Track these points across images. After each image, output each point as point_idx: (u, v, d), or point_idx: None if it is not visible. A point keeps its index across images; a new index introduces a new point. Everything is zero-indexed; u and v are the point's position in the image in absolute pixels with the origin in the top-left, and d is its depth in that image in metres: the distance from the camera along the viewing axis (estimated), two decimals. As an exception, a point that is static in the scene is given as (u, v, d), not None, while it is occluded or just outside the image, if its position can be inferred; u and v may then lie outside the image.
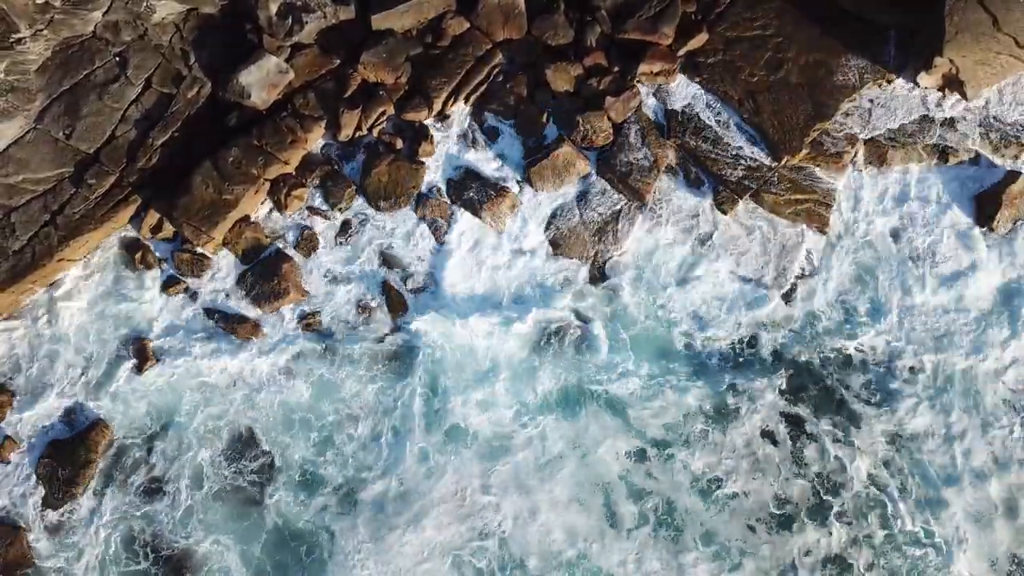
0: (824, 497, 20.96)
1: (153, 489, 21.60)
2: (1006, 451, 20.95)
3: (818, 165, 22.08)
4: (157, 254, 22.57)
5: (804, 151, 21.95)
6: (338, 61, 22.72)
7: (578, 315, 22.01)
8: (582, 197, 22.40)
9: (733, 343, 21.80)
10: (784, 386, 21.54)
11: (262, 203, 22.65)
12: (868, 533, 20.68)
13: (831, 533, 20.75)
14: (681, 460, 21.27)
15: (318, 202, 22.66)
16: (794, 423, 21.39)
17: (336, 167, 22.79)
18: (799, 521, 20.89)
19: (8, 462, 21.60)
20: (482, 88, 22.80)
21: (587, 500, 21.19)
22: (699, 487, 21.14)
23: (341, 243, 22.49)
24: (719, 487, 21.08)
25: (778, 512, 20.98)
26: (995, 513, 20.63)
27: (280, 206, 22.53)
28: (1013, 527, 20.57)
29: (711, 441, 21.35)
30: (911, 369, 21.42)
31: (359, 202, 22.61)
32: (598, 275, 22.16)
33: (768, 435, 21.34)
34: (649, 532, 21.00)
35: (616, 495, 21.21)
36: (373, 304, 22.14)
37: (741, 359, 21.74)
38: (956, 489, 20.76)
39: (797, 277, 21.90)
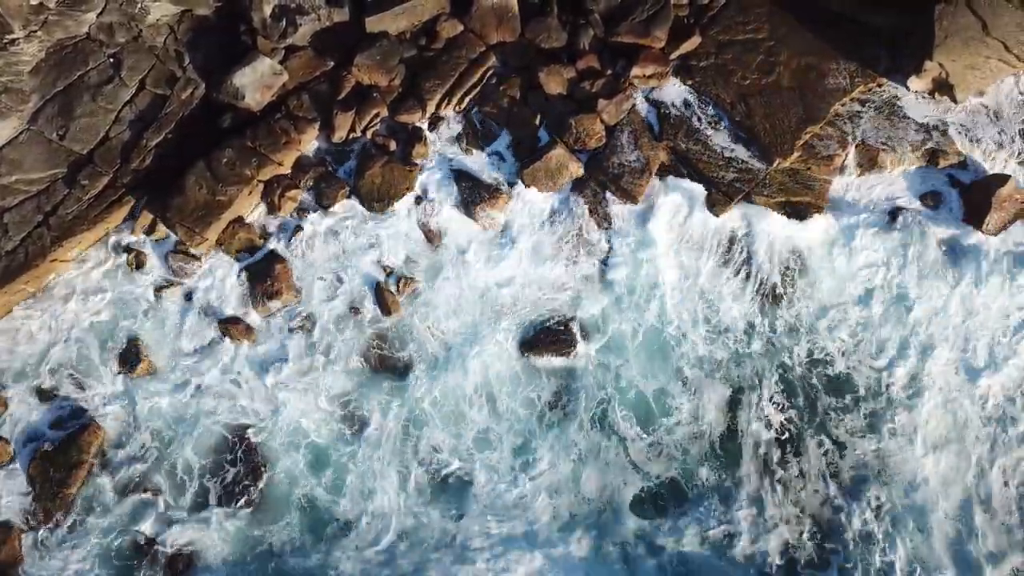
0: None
1: (146, 493, 21.51)
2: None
3: (809, 168, 22.20)
4: (150, 255, 22.59)
5: (795, 154, 22.07)
6: (332, 63, 22.79)
7: (574, 318, 22.07)
8: (575, 199, 22.48)
9: (729, 343, 21.84)
10: (777, 397, 21.56)
11: (255, 204, 22.69)
12: None
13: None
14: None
15: (312, 203, 22.72)
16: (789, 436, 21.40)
17: (330, 168, 22.84)
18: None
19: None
20: (476, 90, 22.87)
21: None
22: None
23: (334, 244, 22.51)
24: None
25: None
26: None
27: (273, 207, 22.57)
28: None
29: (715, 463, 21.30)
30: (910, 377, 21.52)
31: (352, 203, 22.65)
32: (592, 276, 22.23)
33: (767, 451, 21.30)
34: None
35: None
36: (366, 306, 22.18)
37: (738, 362, 21.77)
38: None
39: (791, 278, 22.07)
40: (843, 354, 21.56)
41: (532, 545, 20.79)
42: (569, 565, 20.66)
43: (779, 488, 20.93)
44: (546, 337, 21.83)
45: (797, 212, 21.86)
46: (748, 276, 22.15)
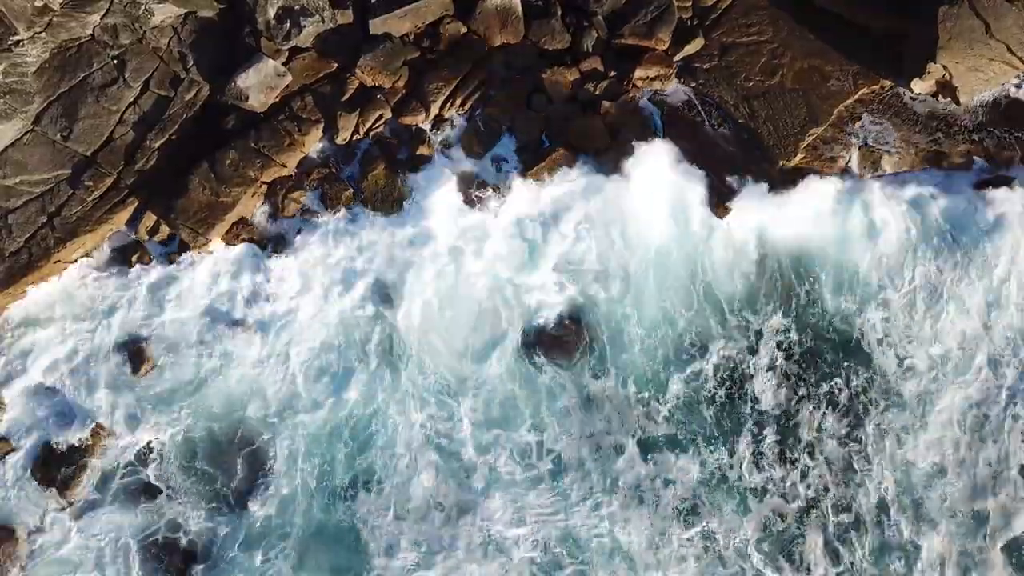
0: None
1: (149, 496, 21.63)
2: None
3: (813, 170, 22.21)
4: (154, 256, 22.56)
5: (799, 156, 22.11)
6: (336, 65, 22.80)
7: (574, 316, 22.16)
8: (578, 200, 22.47)
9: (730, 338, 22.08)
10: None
11: (259, 205, 22.69)
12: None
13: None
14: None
15: (315, 205, 22.69)
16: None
17: (333, 170, 22.84)
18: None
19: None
20: (479, 92, 22.87)
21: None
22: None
23: (338, 246, 22.50)
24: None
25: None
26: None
27: (277, 208, 22.59)
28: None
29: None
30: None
31: (356, 205, 22.63)
32: (595, 277, 22.30)
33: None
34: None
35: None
36: (370, 305, 22.19)
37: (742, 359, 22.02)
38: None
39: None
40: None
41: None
42: None
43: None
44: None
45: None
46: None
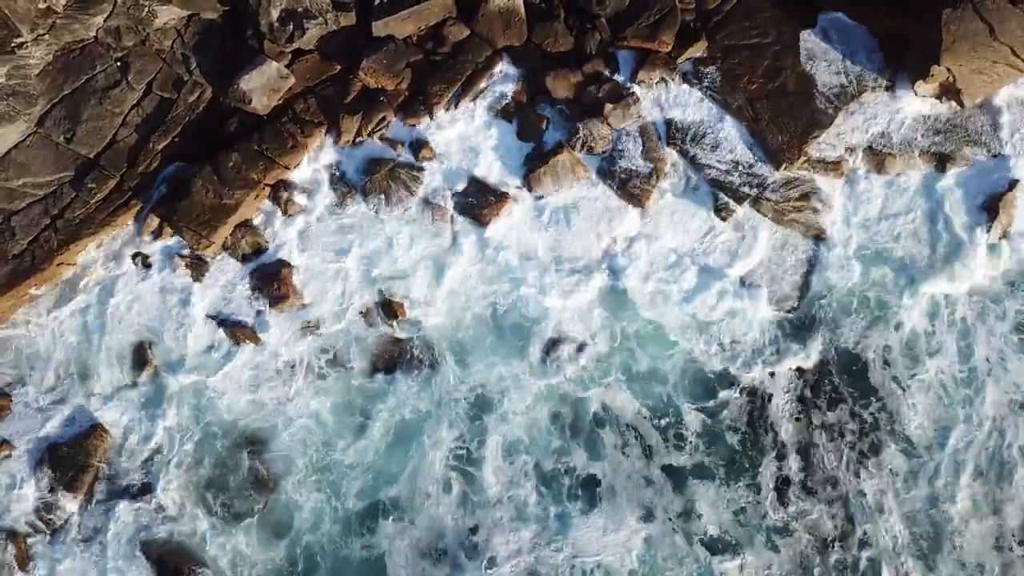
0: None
1: (151, 499, 21.70)
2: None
3: (817, 172, 22.18)
4: (157, 258, 22.57)
5: (802, 158, 22.07)
6: (339, 67, 22.81)
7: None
8: (582, 203, 22.45)
9: (738, 350, 22.10)
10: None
11: (262, 207, 22.69)
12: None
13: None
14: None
15: (319, 206, 22.68)
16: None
17: (336, 172, 22.83)
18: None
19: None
20: (482, 94, 22.86)
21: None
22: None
23: (342, 247, 22.50)
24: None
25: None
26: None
27: (280, 210, 22.58)
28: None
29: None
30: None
31: (359, 206, 22.62)
32: (598, 281, 22.31)
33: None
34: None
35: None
36: (372, 309, 22.23)
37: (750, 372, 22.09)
38: None
39: (798, 283, 22.11)
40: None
41: None
42: None
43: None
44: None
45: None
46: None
